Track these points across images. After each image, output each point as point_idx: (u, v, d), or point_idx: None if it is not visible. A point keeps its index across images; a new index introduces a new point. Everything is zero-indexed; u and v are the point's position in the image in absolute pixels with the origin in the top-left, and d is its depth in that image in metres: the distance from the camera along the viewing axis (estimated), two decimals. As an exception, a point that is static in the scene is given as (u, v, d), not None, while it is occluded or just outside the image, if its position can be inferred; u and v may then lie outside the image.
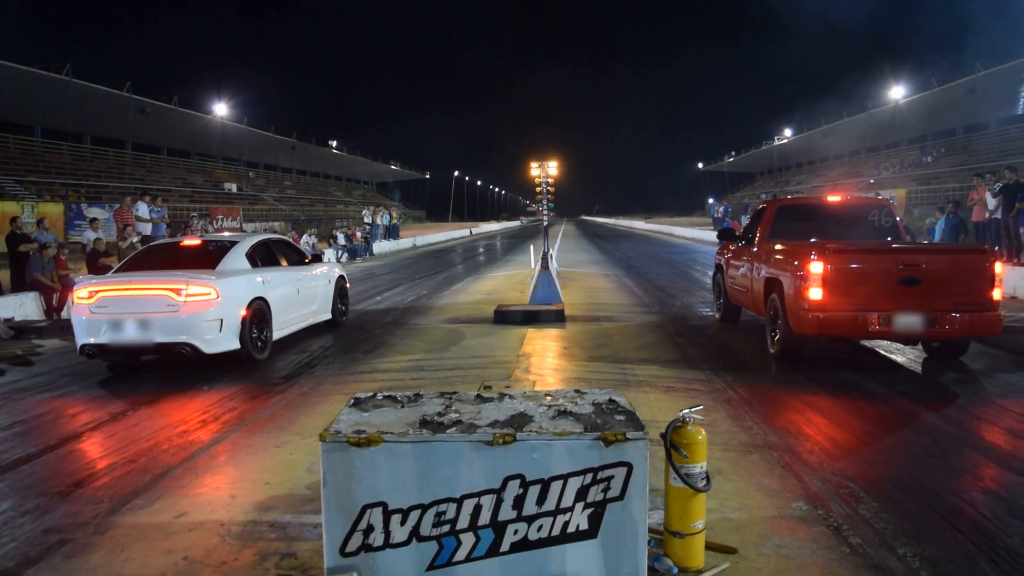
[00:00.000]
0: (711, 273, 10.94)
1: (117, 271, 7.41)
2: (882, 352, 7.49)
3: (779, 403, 5.86)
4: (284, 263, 8.52)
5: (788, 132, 73.04)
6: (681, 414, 3.24)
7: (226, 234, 8.99)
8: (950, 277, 5.83)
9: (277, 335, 7.93)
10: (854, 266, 6.02)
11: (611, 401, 3.31)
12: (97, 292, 6.83)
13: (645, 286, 14.52)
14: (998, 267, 5.76)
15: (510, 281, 16.02)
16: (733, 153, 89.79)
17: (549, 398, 3.37)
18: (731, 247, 9.04)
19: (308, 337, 8.86)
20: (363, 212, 35.17)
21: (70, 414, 5.99)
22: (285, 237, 9.57)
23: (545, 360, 7.57)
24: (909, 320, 5.83)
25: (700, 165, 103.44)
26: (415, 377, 6.85)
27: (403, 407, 3.27)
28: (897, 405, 5.69)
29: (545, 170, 14.63)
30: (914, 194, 33.55)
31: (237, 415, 5.84)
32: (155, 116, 45.22)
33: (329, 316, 9.51)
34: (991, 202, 13.11)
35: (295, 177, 73.96)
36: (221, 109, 52.19)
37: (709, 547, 3.34)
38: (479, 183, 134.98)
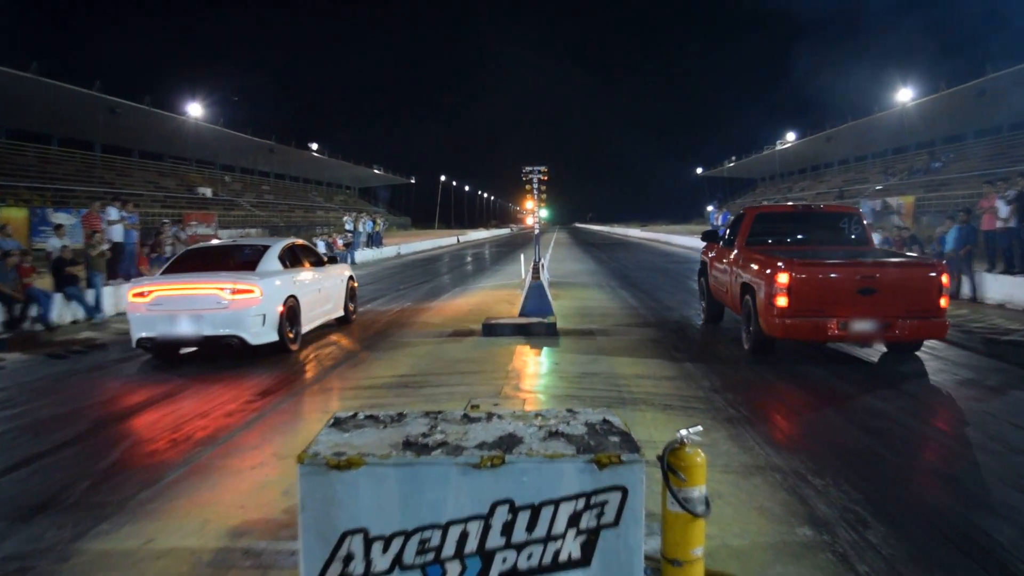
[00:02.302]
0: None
1: (164, 272, 8.94)
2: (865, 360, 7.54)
3: (782, 422, 5.88)
4: (307, 265, 10.14)
5: (792, 136, 73.66)
6: (679, 434, 3.25)
7: (255, 239, 10.55)
8: (902, 287, 6.99)
9: (304, 329, 9.48)
10: (817, 277, 7.21)
11: (605, 421, 3.32)
12: (152, 291, 8.37)
13: (641, 297, 14.55)
14: (944, 278, 6.94)
15: (499, 292, 16.02)
16: (733, 158, 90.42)
17: (540, 418, 3.37)
18: (714, 248, 10.48)
19: (292, 354, 9.18)
20: (344, 218, 35.16)
21: (39, 430, 5.94)
22: (306, 242, 10.94)
23: (536, 377, 7.57)
24: (864, 326, 7.07)
25: (699, 171, 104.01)
26: (399, 395, 6.83)
27: (385, 427, 3.26)
28: (909, 426, 5.73)
29: (536, 176, 14.71)
30: (923, 201, 33.81)
31: (209, 433, 5.80)
32: (126, 116, 45.02)
33: (342, 313, 11.20)
34: (1003, 210, 13.16)
35: (273, 181, 73.89)
36: (196, 110, 52.10)
37: None
38: (467, 188, 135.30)
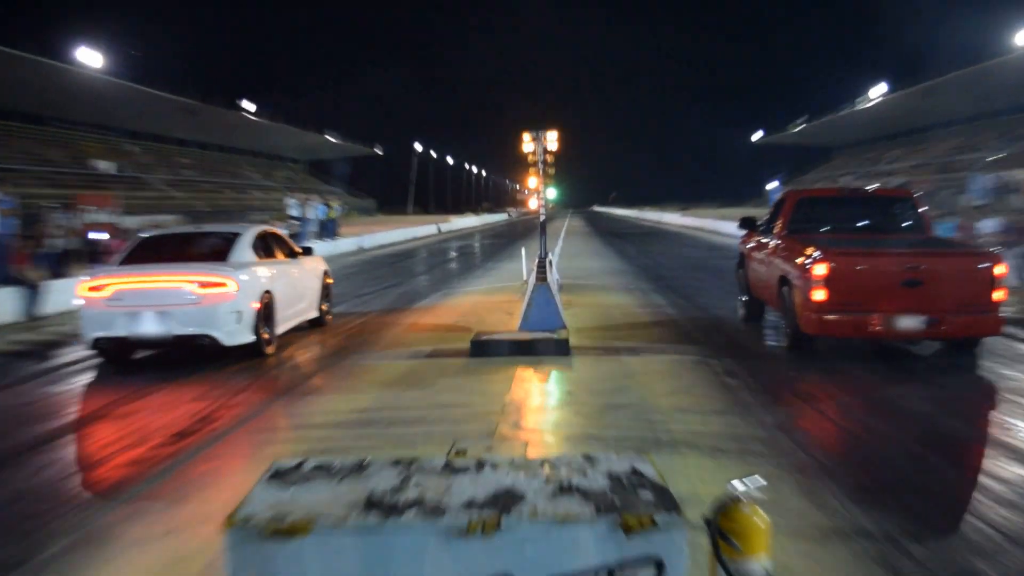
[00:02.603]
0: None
1: (123, 263, 9.99)
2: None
3: (871, 470, 5.87)
4: (280, 256, 11.36)
5: (880, 90, 73.58)
6: (733, 488, 3.23)
7: (222, 226, 11.70)
8: (951, 279, 8.16)
9: (278, 331, 10.61)
10: (857, 268, 8.48)
11: (634, 471, 3.30)
12: (110, 285, 9.41)
13: (681, 305, 14.60)
14: (999, 269, 8.00)
15: (493, 298, 16.08)
16: (803, 120, 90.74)
17: (547, 467, 3.35)
18: (754, 237, 11.87)
19: (222, 374, 9.55)
20: (287, 201, 35.26)
21: None
22: (276, 228, 12.11)
23: (542, 411, 7.59)
24: (909, 322, 8.37)
25: (758, 136, 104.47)
26: (360, 435, 6.85)
27: (342, 480, 3.24)
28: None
29: (542, 144, 14.77)
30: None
31: (110, 485, 5.78)
32: (-3, 67, 45.00)
33: (316, 314, 12.49)
34: None
35: (195, 152, 74.14)
36: (90, 58, 51.81)
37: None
38: (450, 161, 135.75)
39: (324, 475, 3.29)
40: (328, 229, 35.29)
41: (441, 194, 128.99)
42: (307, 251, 12.65)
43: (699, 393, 8.01)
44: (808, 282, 8.94)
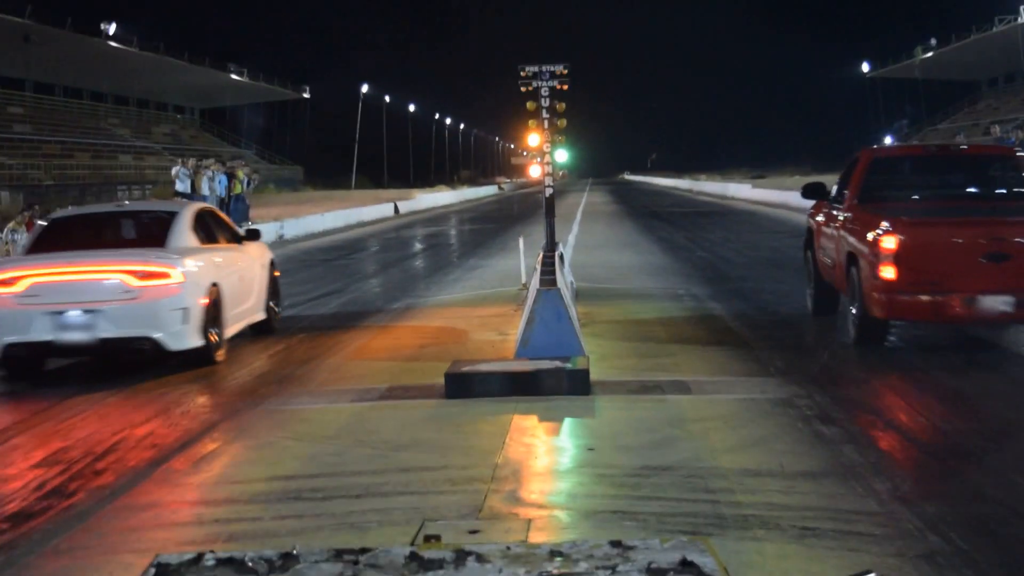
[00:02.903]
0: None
1: (32, 251, 11.41)
2: None
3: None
4: (223, 241, 13.02)
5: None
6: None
7: (154, 202, 14.21)
8: None
9: (227, 333, 12.19)
10: (933, 241, 10.37)
11: (685, 564, 3.34)
12: (23, 278, 10.64)
13: (753, 319, 14.63)
14: None
15: (478, 310, 16.16)
16: (932, 43, 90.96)
17: (560, 561, 3.38)
18: (823, 208, 13.52)
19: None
20: (175, 170, 35.20)
21: None
22: (212, 207, 14.13)
23: (550, 476, 7.63)
24: (995, 302, 10.11)
25: (865, 69, 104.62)
26: (285, 513, 6.90)
27: (259, 582, 3.27)
28: None
29: (547, 83, 14.85)
30: None
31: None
32: None
33: (263, 316, 13.95)
34: None
35: (32, 99, 73.88)
36: None
37: None
38: (415, 111, 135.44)
39: (233, 572, 3.32)
40: (234, 210, 35.24)
41: (401, 158, 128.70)
42: (252, 235, 14.54)
43: (780, 448, 8.02)
44: (877, 258, 10.60)
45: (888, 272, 10.54)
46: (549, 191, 14.04)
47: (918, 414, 9.09)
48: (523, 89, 14.90)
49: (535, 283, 12.47)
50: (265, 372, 11.89)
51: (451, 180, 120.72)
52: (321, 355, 12.78)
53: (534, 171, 16.27)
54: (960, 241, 10.60)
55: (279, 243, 34.93)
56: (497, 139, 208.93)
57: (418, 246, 33.08)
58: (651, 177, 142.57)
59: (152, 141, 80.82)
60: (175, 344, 11.22)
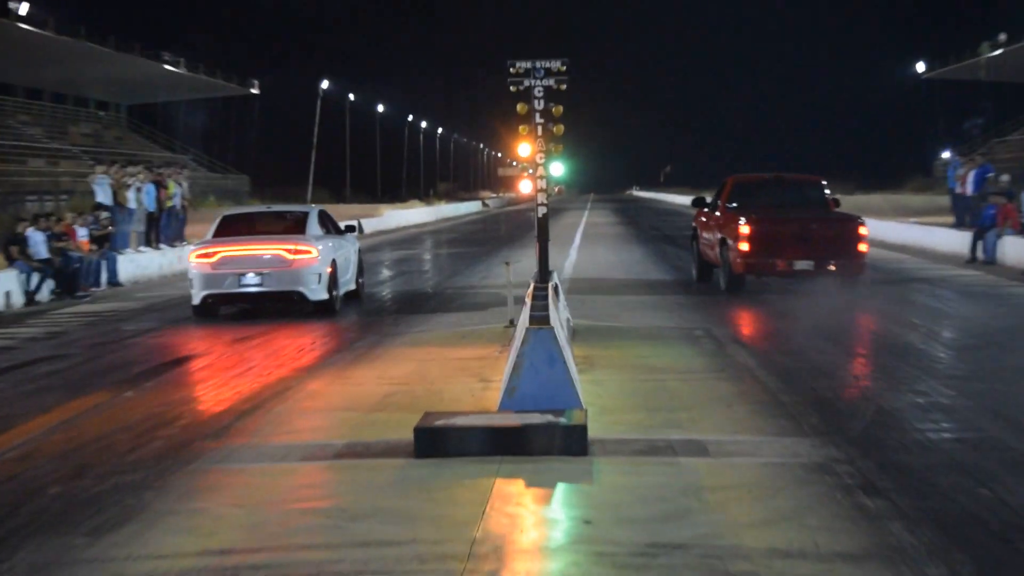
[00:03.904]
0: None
1: (217, 235, 21.56)
2: None
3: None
4: (334, 232, 22.61)
5: None
6: None
7: (292, 206, 26.19)
8: (830, 236, 22.91)
9: (340, 293, 21.84)
10: (765, 229, 22.29)
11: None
12: (216, 253, 20.60)
13: (785, 368, 14.60)
14: (862, 230, 22.82)
15: (455, 351, 16.22)
16: (1000, 39, 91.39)
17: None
18: (703, 214, 25.74)
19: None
20: (96, 179, 34.97)
21: None
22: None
23: (538, 556, 7.59)
24: (803, 264, 22.41)
25: (920, 69, 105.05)
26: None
27: None
28: None
29: (542, 82, 14.85)
30: None
31: None
32: None
33: (354, 287, 23.62)
34: None
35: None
36: None
37: None
38: (386, 112, 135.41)
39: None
40: (169, 225, 35.12)
41: (367, 169, 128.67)
42: (350, 228, 24.43)
43: (814, 523, 7.97)
44: (737, 238, 21.14)
45: (744, 246, 21.99)
46: (542, 210, 13.98)
47: (989, 489, 9.05)
48: (513, 89, 14.87)
49: (524, 320, 12.41)
50: (204, 423, 11.83)
51: (426, 194, 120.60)
52: (266, 402, 12.78)
53: (524, 186, 16.33)
54: (783, 229, 22.44)
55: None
56: (481, 146, 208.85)
57: (385, 273, 32.96)
58: (664, 194, 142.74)
59: (69, 143, 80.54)
60: (314, 296, 20.90)
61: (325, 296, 21.03)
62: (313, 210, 23.42)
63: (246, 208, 28.13)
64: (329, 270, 21.14)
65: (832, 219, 24.04)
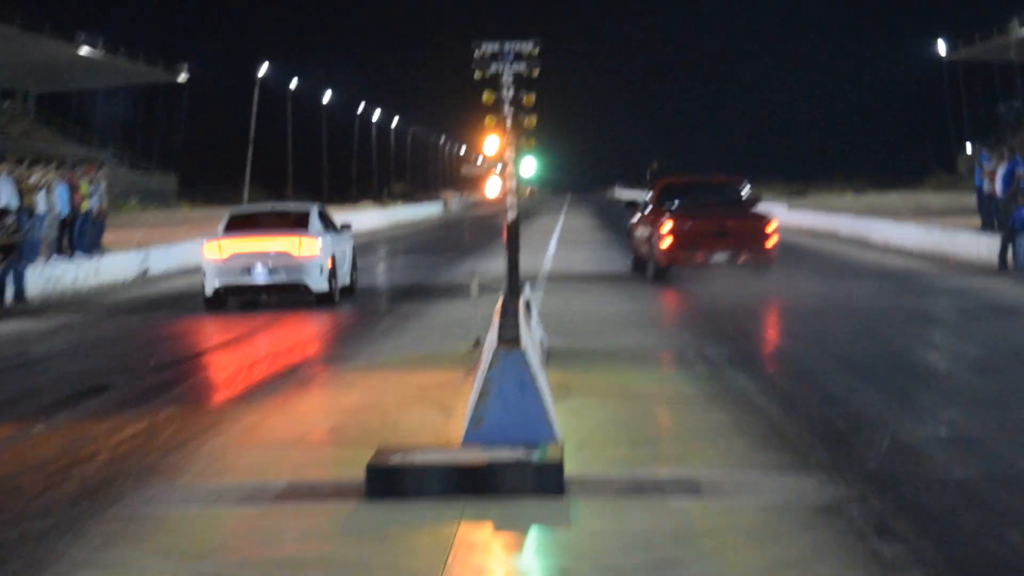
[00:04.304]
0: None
1: (227, 230, 27.10)
2: None
3: None
4: (331, 229, 28.67)
5: None
6: None
7: (293, 203, 37.38)
8: (743, 232, 31.64)
9: (338, 285, 27.74)
10: (686, 225, 31.23)
11: None
12: (227, 246, 26.27)
13: (788, 392, 14.67)
14: (771, 227, 31.49)
15: (413, 377, 16.22)
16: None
17: None
18: (636, 213, 35.07)
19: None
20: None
21: None
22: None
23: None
24: (719, 256, 30.76)
25: (941, 49, 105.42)
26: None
27: None
28: None
29: (511, 65, 14.86)
30: None
31: None
32: None
33: (348, 282, 28.85)
34: None
35: None
36: None
37: None
38: (333, 102, 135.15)
39: None
40: (85, 232, 34.92)
41: (312, 166, 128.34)
42: (346, 227, 29.92)
43: (824, 572, 7.96)
44: (661, 234, 29.32)
45: (666, 242, 28.42)
46: (512, 215, 13.95)
47: (1012, 528, 9.08)
48: (478, 75, 14.86)
49: (491, 340, 12.41)
50: (128, 456, 11.77)
51: (380, 195, 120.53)
52: (198, 436, 12.71)
53: (492, 188, 16.23)
54: (701, 226, 29.24)
55: (143, 281, 34.85)
56: (443, 140, 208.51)
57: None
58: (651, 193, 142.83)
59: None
60: (315, 287, 25.84)
61: (326, 287, 26.35)
62: (313, 208, 28.62)
63: (252, 207, 35.51)
64: (329, 263, 26.46)
65: (745, 217, 32.10)
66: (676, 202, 32.29)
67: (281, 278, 26.01)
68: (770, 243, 30.92)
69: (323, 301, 26.40)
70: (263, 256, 25.82)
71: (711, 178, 36.09)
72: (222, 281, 25.80)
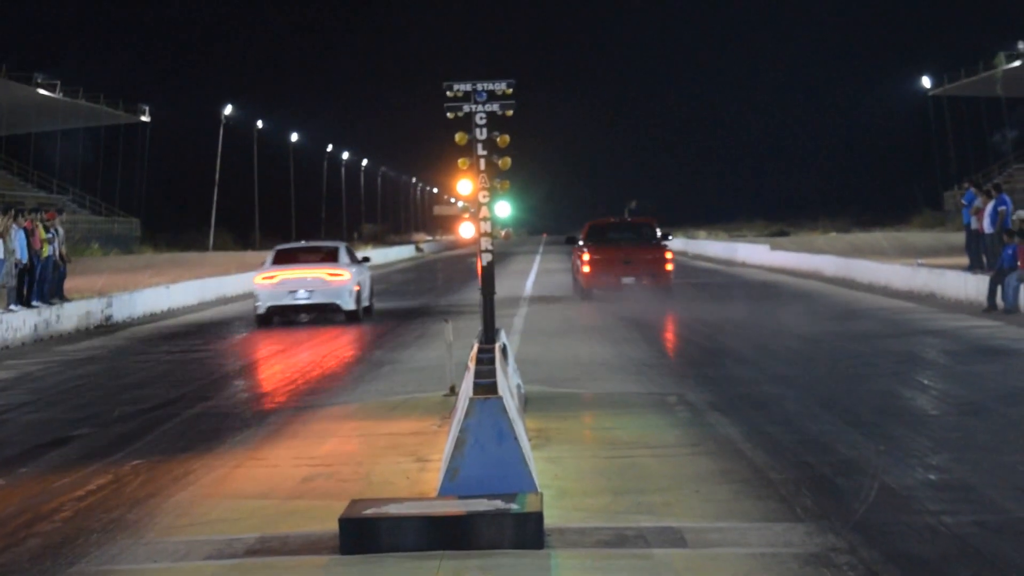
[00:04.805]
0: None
1: (275, 263, 37.69)
2: None
3: None
4: (355, 262, 39.72)
5: None
6: None
7: (325, 242, 49.47)
8: (646, 261, 45.51)
9: (363, 307, 38.58)
10: (600, 256, 45.45)
11: None
12: (276, 276, 36.85)
13: (774, 439, 14.70)
14: (668, 255, 45.43)
15: (386, 425, 16.25)
16: (1021, 48, 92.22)
17: None
18: (576, 246, 49.00)
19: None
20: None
21: None
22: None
23: None
24: (628, 279, 44.59)
25: (926, 84, 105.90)
26: None
27: None
28: None
29: (484, 106, 14.90)
30: None
31: None
32: None
33: (368, 304, 39.32)
34: None
35: None
36: None
37: None
38: (301, 143, 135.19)
39: None
40: (43, 279, 34.80)
41: (279, 209, 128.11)
42: (365, 259, 40.51)
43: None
44: (583, 263, 43.76)
45: (586, 268, 42.62)
46: (487, 257, 13.94)
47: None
48: (450, 115, 14.84)
49: (467, 387, 12.39)
50: (96, 507, 11.72)
51: (350, 238, 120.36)
52: (160, 491, 12.65)
53: (465, 230, 16.18)
54: (613, 256, 42.91)
55: (105, 327, 34.79)
56: (415, 181, 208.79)
57: (305, 332, 33.01)
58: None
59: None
60: (346, 307, 34.85)
61: (354, 307, 35.34)
62: (341, 245, 39.33)
63: (292, 244, 42.81)
64: (356, 288, 35.53)
65: (648, 248, 43.63)
66: (598, 239, 44.51)
67: (319, 299, 35.22)
68: (668, 268, 43.41)
69: (351, 319, 35.50)
70: (304, 282, 35.05)
71: (627, 219, 51.78)
72: (272, 302, 35.00)
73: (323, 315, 37.02)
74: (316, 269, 36.12)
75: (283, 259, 37.01)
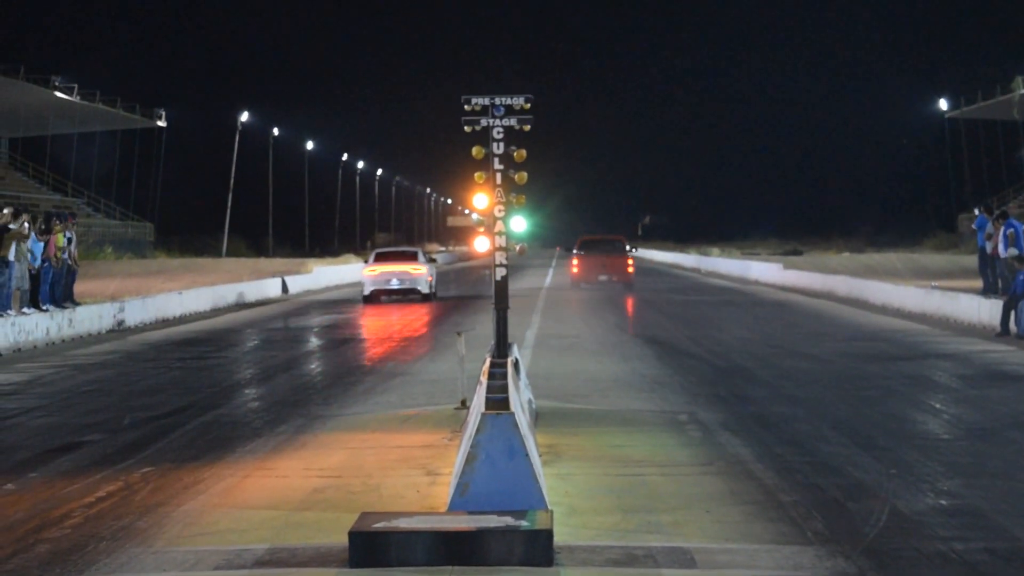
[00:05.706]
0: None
1: (375, 261, 59.61)
2: None
3: None
4: (428, 261, 65.79)
5: None
6: None
7: (408, 247, 72.98)
8: (615, 263, 72.26)
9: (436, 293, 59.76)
10: (585, 261, 72.78)
11: None
12: (377, 269, 58.04)
13: (787, 462, 14.62)
14: (630, 261, 72.23)
15: (397, 438, 16.22)
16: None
17: None
18: (572, 253, 77.85)
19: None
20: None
21: None
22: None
23: None
24: (603, 276, 70.04)
25: (943, 107, 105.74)
26: None
27: None
28: None
29: (502, 120, 14.87)
30: None
31: None
32: None
33: (434, 291, 60.81)
34: None
35: None
36: None
37: None
38: (316, 151, 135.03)
39: None
40: (55, 283, 34.75)
41: (293, 217, 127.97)
42: (434, 259, 74.25)
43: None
44: (573, 264, 70.16)
45: (575, 269, 67.51)
46: (501, 272, 13.90)
47: None
48: (468, 129, 14.79)
49: (479, 402, 12.34)
50: (103, 515, 11.70)
51: (363, 247, 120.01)
52: (170, 500, 12.64)
53: (480, 245, 16.13)
54: (593, 261, 66.62)
55: (117, 331, 34.77)
56: (428, 191, 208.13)
57: (313, 341, 32.97)
58: (643, 250, 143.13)
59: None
60: (423, 291, 53.69)
61: (428, 292, 52.45)
62: (419, 249, 60.07)
63: (385, 248, 60.82)
64: (430, 279, 53.25)
65: (617, 256, 65.29)
66: (586, 248, 66.31)
67: (406, 286, 52.30)
68: (630, 270, 65.01)
69: (426, 299, 52.02)
70: (395, 274, 52.28)
71: (607, 236, 72.69)
72: (374, 287, 52.21)
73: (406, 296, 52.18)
74: (403, 265, 53.38)
75: (380, 259, 54.92)
